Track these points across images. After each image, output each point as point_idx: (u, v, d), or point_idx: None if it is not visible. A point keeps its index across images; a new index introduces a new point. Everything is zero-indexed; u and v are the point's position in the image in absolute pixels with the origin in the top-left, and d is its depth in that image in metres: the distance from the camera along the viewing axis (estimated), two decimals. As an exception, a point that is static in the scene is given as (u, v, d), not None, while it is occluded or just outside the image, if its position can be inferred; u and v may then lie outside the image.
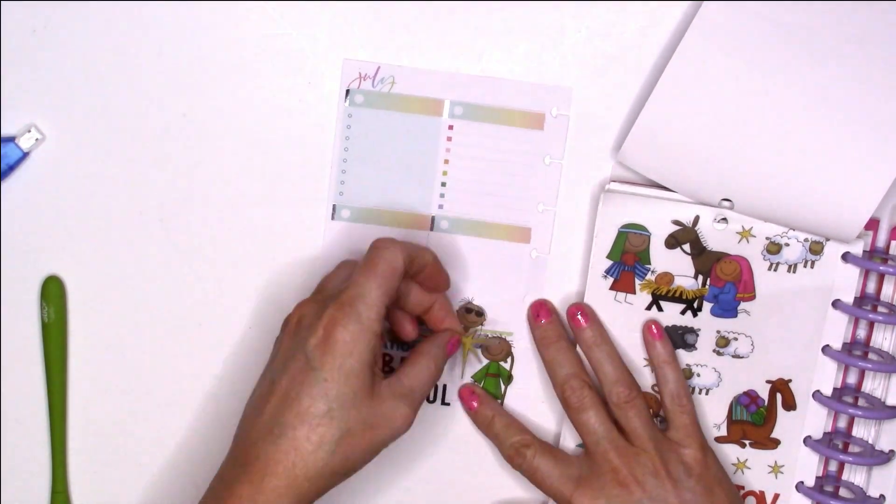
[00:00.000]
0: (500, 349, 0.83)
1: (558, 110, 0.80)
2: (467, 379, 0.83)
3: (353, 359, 0.70)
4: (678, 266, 0.80)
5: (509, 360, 0.83)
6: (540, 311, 0.81)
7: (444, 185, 0.81)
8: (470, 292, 0.82)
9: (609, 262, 0.80)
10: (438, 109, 0.80)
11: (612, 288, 0.80)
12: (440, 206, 0.81)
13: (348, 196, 0.81)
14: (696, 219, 0.79)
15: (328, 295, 0.73)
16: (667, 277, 0.80)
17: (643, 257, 0.79)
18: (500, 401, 0.83)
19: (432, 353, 0.77)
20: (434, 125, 0.81)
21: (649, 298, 0.80)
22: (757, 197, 0.78)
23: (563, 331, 0.81)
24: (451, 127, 0.81)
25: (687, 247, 0.79)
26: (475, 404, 0.82)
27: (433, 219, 0.82)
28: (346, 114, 0.81)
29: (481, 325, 0.83)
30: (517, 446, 0.80)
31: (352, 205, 0.81)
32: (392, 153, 0.81)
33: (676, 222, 0.79)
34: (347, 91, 0.80)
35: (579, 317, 0.80)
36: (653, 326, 0.80)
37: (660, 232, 0.79)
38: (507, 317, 0.82)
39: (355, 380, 0.71)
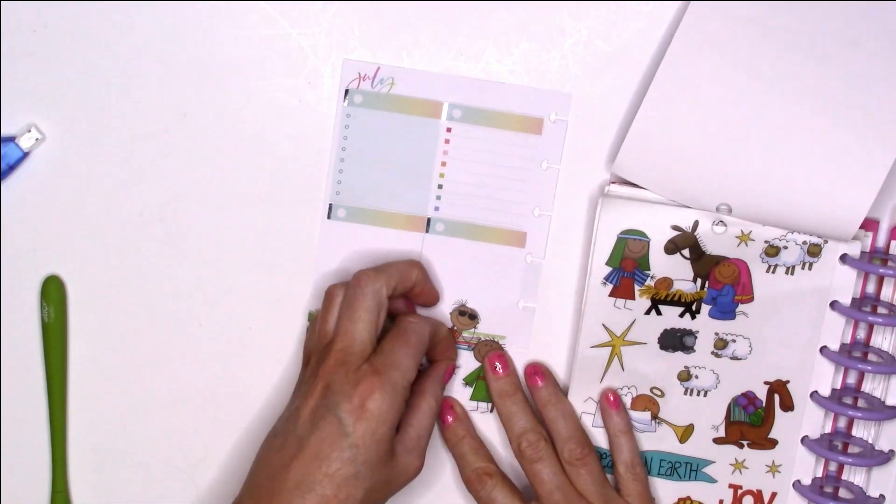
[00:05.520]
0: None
1: (557, 115, 0.80)
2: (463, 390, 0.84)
3: (385, 426, 0.73)
4: (677, 271, 0.79)
5: None
6: (497, 363, 0.81)
7: (440, 187, 0.81)
8: (464, 295, 0.82)
9: (608, 269, 0.79)
10: (437, 111, 0.80)
11: (611, 294, 0.80)
12: (436, 209, 0.81)
13: (345, 196, 0.81)
14: (696, 223, 0.79)
15: (338, 346, 0.75)
16: (666, 282, 0.80)
17: (642, 263, 0.79)
18: (490, 404, 0.83)
19: (431, 391, 0.79)
20: (432, 127, 0.81)
21: (648, 303, 0.80)
22: (754, 199, 0.78)
23: (519, 384, 0.82)
24: (449, 129, 0.81)
25: (686, 252, 0.79)
26: (450, 419, 0.82)
27: (429, 221, 0.82)
28: (344, 114, 0.81)
29: (474, 328, 0.83)
30: (480, 472, 0.81)
31: (348, 204, 0.81)
32: (390, 154, 0.81)
33: (676, 227, 0.79)
34: (346, 91, 0.80)
35: (536, 377, 0.81)
36: (610, 396, 0.81)
37: (659, 237, 0.79)
38: (500, 320, 0.82)
39: (384, 444, 0.73)
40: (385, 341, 0.76)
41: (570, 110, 0.80)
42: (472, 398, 0.83)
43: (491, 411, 0.83)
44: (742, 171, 0.77)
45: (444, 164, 0.81)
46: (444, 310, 0.82)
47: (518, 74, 0.80)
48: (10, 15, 0.79)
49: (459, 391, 0.83)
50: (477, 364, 0.83)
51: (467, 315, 0.83)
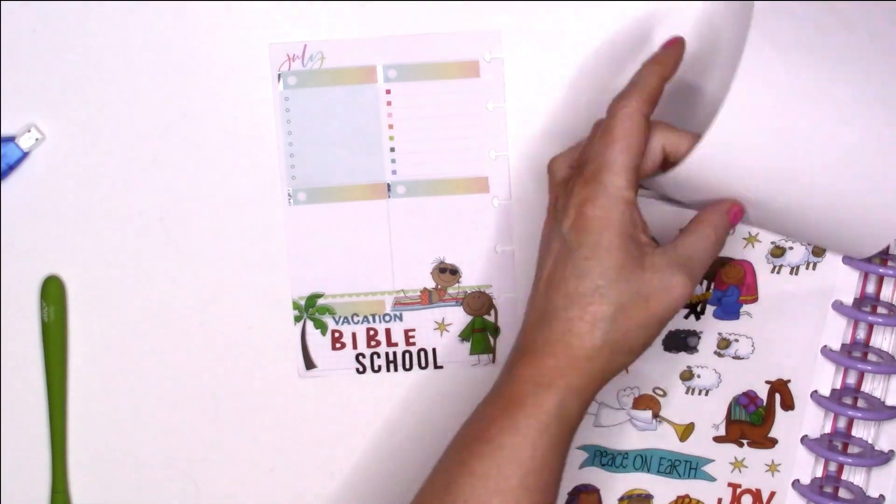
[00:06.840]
0: (481, 303, 0.83)
1: (491, 54, 0.80)
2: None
3: (609, 232, 0.68)
4: None
5: (493, 312, 0.83)
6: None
7: (392, 150, 0.81)
8: (440, 252, 0.82)
9: None
10: (372, 76, 0.80)
11: None
12: (393, 172, 0.81)
13: (301, 179, 0.81)
14: None
15: (588, 170, 0.70)
16: None
17: None
18: (490, 355, 0.83)
19: (713, 221, 0.71)
20: (371, 92, 0.80)
21: None
22: (776, 216, 0.75)
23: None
24: (388, 91, 0.80)
25: None
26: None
27: (389, 186, 0.81)
28: (282, 98, 0.80)
29: (458, 282, 0.82)
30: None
31: (306, 187, 0.81)
32: (336, 128, 0.80)
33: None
34: (280, 75, 0.80)
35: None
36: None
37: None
38: (481, 269, 0.82)
39: (617, 253, 0.68)
40: (588, 143, 0.71)
41: (503, 46, 0.80)
42: (472, 352, 0.83)
43: (493, 362, 0.83)
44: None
45: (391, 126, 0.80)
46: (424, 270, 0.82)
47: (517, 73, 0.80)
48: (10, 15, 0.79)
49: (456, 348, 0.83)
50: (469, 318, 0.83)
51: (448, 271, 0.82)
